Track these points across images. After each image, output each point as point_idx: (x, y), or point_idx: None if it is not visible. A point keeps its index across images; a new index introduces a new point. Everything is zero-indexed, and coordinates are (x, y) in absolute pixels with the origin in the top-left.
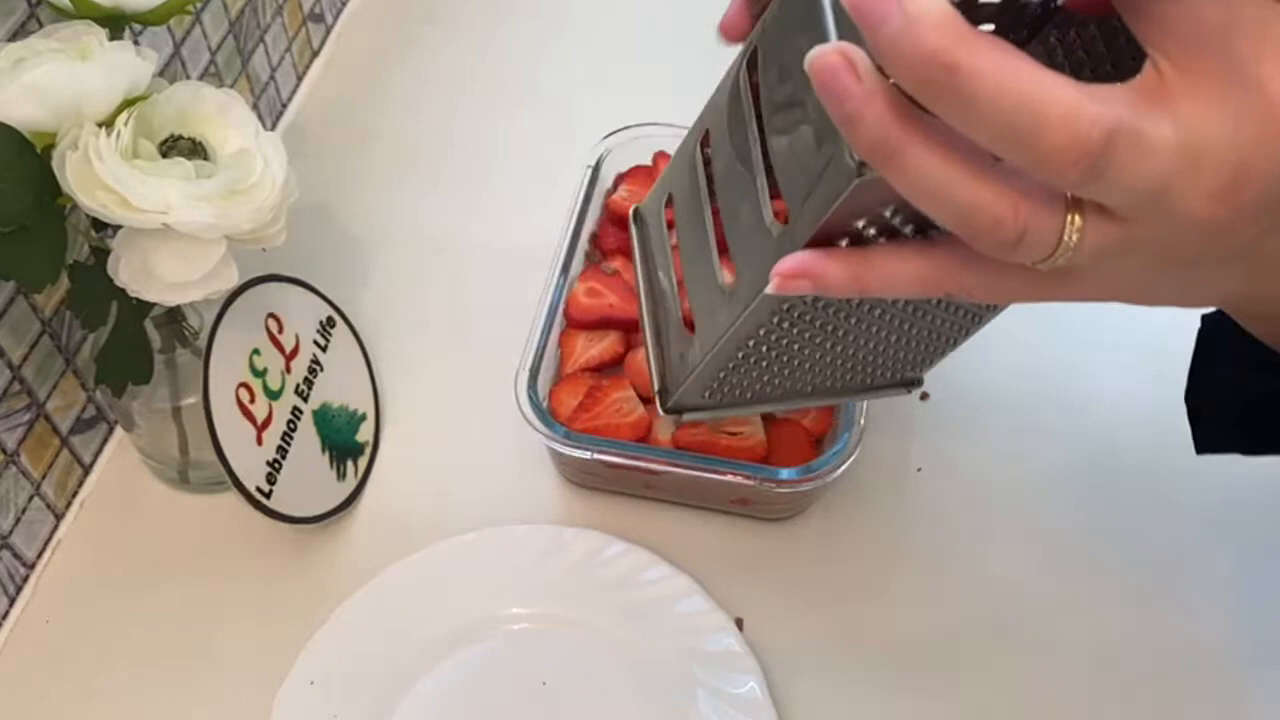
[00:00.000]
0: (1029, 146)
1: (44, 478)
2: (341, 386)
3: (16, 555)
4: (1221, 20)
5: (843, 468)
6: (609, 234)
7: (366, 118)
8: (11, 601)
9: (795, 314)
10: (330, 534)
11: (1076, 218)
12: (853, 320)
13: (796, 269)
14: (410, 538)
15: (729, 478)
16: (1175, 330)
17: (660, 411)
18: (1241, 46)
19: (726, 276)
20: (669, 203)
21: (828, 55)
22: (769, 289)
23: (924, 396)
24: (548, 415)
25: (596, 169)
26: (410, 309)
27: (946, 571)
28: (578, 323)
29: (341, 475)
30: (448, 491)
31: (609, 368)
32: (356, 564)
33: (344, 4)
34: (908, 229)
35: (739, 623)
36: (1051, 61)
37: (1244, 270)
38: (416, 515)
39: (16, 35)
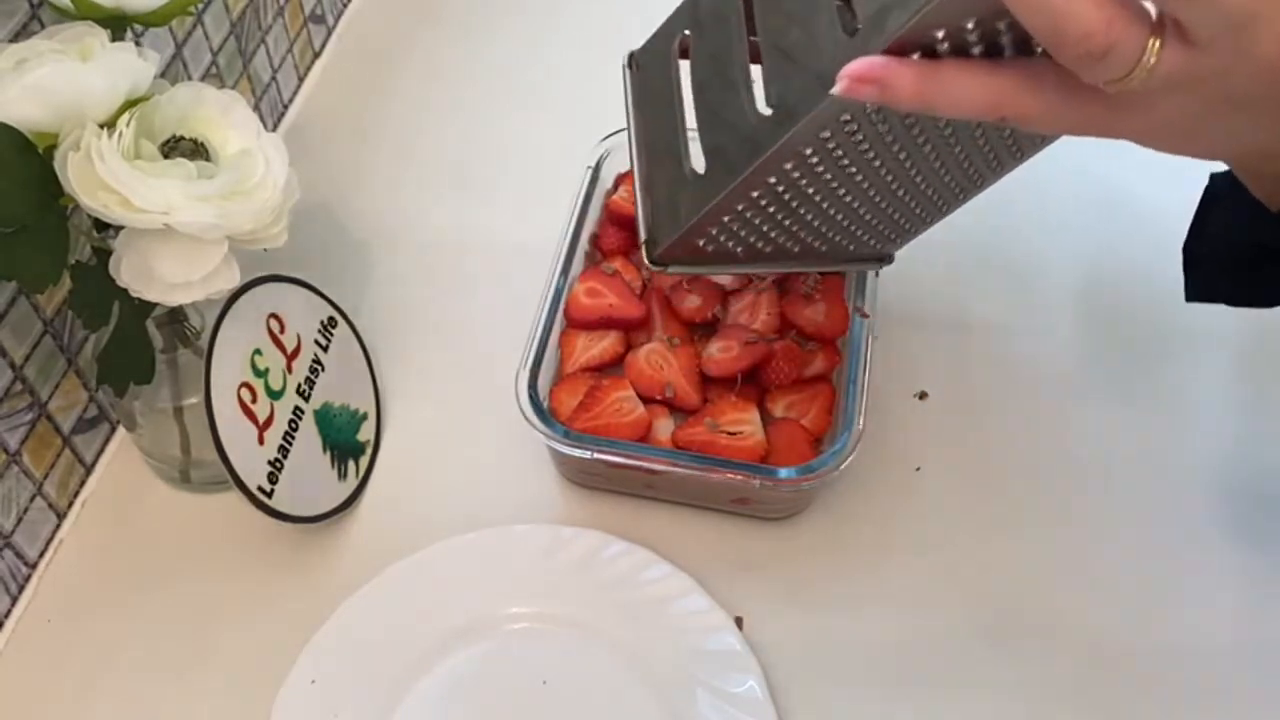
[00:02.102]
0: None
1: (46, 477)
2: (343, 386)
3: (18, 555)
4: None
5: (842, 467)
6: (609, 234)
7: (367, 118)
8: (13, 601)
9: (829, 147)
10: (331, 533)
11: (1157, 42)
12: (876, 163)
13: (867, 72)
14: (411, 537)
15: (729, 477)
16: (1178, 321)
17: (645, 261)
18: None
19: (762, 105)
20: (683, 42)
21: None
22: (835, 89)
23: (923, 396)
24: (548, 415)
25: (596, 169)
26: (411, 309)
27: (946, 571)
28: (578, 323)
29: (343, 475)
30: (448, 491)
31: (609, 368)
32: (357, 563)
33: (345, 5)
34: (978, 50)
35: (739, 622)
36: None
37: (1273, 127)
38: (417, 515)
39: (18, 36)
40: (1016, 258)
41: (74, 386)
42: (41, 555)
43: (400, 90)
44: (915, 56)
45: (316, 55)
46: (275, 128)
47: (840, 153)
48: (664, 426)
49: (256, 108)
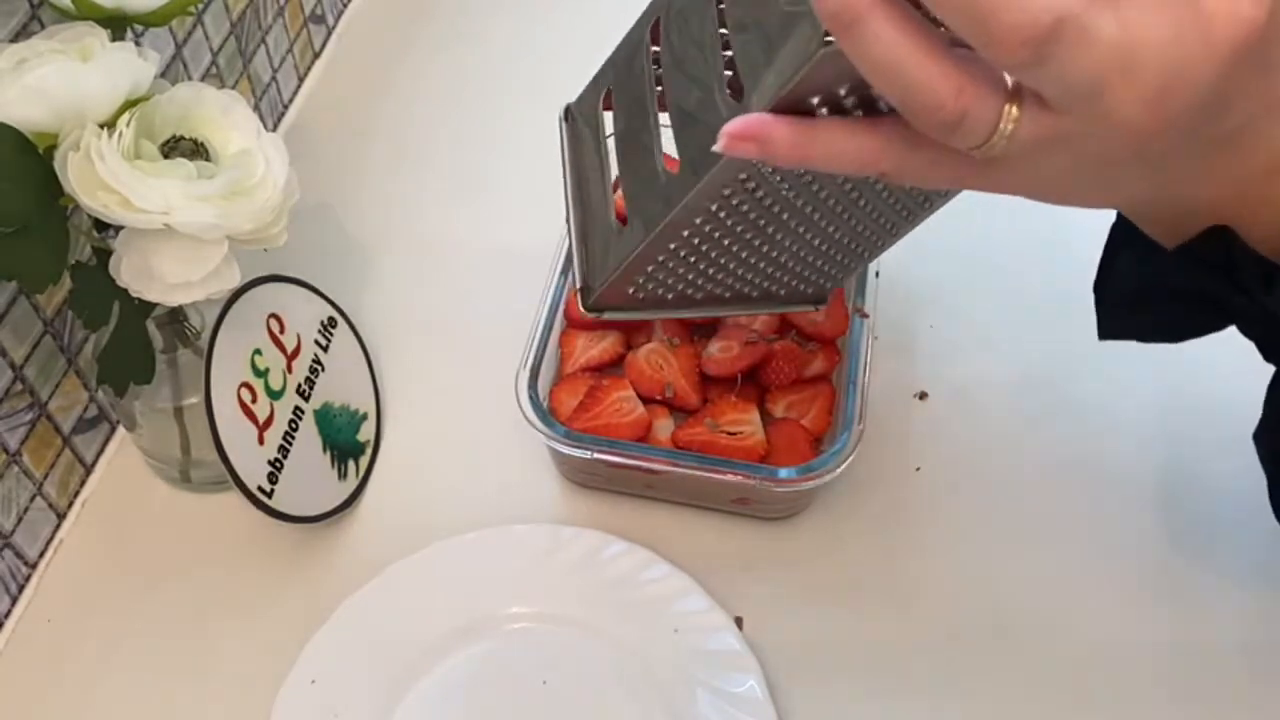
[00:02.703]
0: (983, 24)
1: (46, 477)
2: (343, 386)
3: (18, 555)
4: None
5: (842, 467)
6: None
7: (367, 118)
8: (13, 601)
9: (734, 203)
10: (331, 533)
11: (1014, 108)
12: (784, 216)
13: (745, 130)
14: (411, 537)
15: (729, 477)
16: None
17: (580, 308)
18: None
19: (668, 164)
20: (606, 97)
21: None
22: (715, 147)
23: (923, 396)
24: (548, 415)
25: None
26: (411, 309)
27: (946, 570)
28: (578, 323)
29: (343, 475)
30: (448, 491)
31: (609, 368)
32: (357, 563)
33: (345, 5)
34: (857, 111)
35: (739, 622)
36: None
37: (1158, 176)
38: (417, 515)
39: (18, 36)
40: (1017, 257)
41: (74, 386)
42: (41, 555)
43: (400, 90)
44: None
45: (316, 55)
46: (275, 128)
47: (746, 208)
48: (664, 426)
49: (256, 108)
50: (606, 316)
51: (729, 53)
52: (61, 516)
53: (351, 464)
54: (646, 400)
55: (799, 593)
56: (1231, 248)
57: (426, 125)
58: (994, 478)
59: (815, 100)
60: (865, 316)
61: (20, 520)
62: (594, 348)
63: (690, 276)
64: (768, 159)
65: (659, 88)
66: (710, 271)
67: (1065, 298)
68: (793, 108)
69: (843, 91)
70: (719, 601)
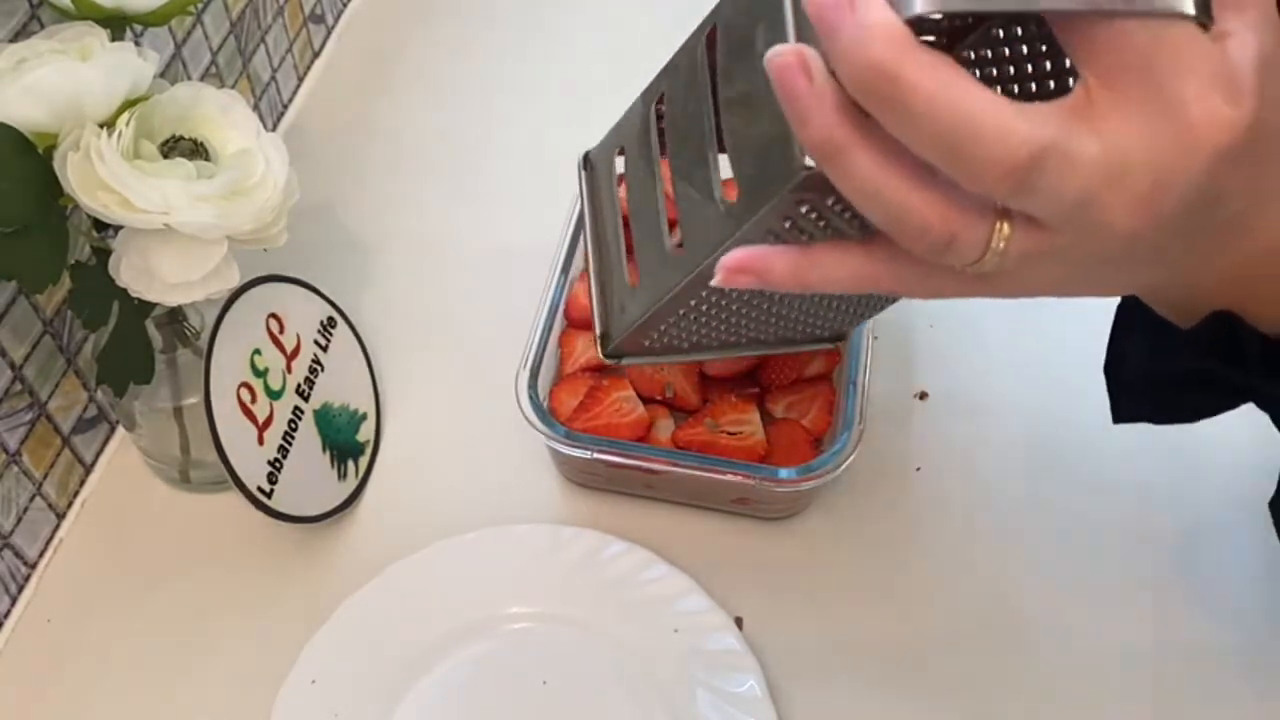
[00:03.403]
0: (962, 159)
1: (45, 477)
2: (342, 386)
3: (18, 555)
4: (1147, 43)
5: (842, 467)
6: None
7: (367, 118)
8: (13, 601)
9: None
10: (331, 533)
11: (1005, 226)
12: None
13: (742, 264)
14: (411, 537)
15: (729, 477)
16: None
17: (600, 355)
18: (1165, 68)
19: (673, 239)
20: (620, 153)
21: (785, 55)
22: (714, 281)
23: (923, 396)
24: (548, 415)
25: None
26: (411, 309)
27: (946, 570)
28: (578, 323)
29: (342, 475)
30: (448, 491)
31: (609, 368)
32: (357, 563)
33: (345, 5)
34: (847, 217)
35: (739, 622)
36: (980, 74)
37: (1159, 268)
38: (417, 515)
39: (18, 36)
40: None
41: (74, 386)
42: (41, 555)
43: (400, 90)
44: (787, 225)
45: (316, 55)
46: (275, 127)
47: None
48: (664, 426)
49: (256, 107)
50: (625, 363)
51: (723, 145)
52: (61, 516)
53: (351, 464)
54: (646, 400)
55: (799, 593)
56: (1233, 330)
57: (426, 125)
58: (994, 477)
59: (804, 209)
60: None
61: (20, 520)
62: (594, 348)
63: (705, 330)
64: (766, 287)
65: (663, 155)
66: (725, 324)
67: (1065, 297)
68: (783, 218)
69: (830, 202)
70: (719, 601)
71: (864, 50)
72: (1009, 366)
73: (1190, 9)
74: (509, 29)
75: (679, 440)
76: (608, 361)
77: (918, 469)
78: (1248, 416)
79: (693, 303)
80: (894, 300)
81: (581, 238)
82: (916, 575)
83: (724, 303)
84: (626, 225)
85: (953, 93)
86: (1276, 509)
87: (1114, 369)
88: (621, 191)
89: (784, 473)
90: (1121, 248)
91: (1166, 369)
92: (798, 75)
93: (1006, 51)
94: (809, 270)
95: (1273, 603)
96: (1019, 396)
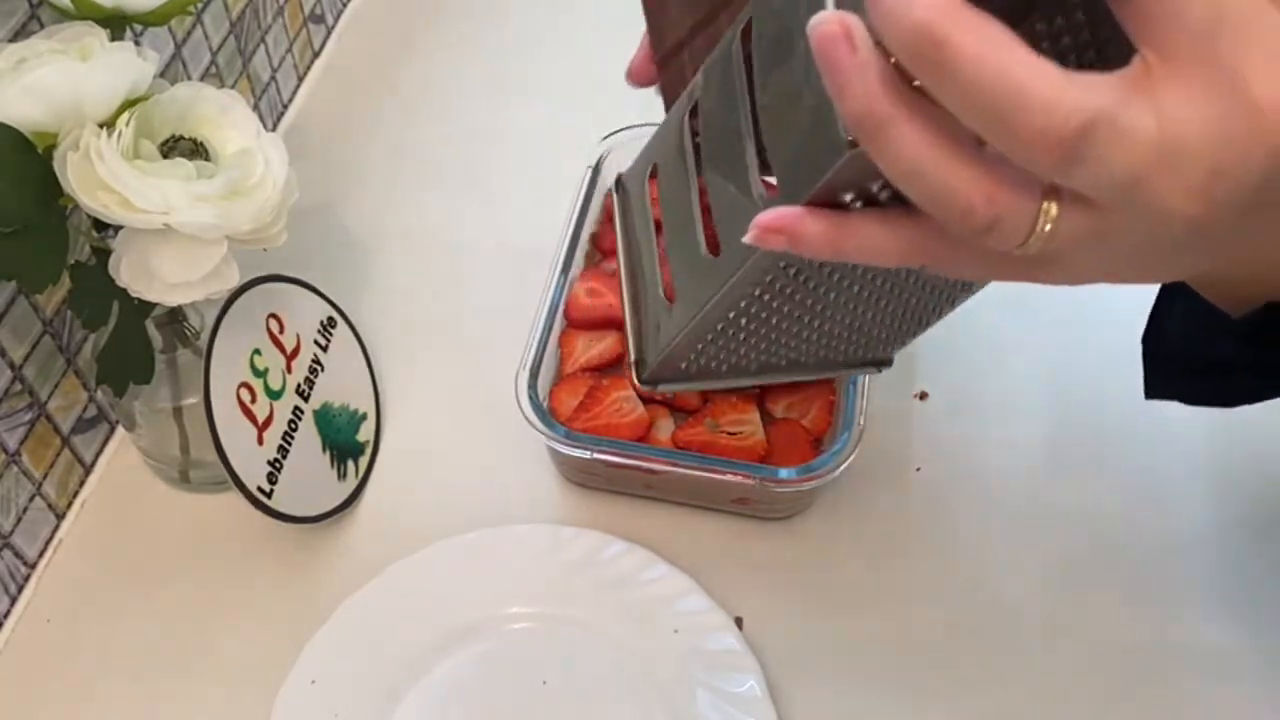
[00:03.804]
0: (1009, 128)
1: (45, 477)
2: (342, 386)
3: (18, 554)
4: (1207, 16)
5: (842, 467)
6: (609, 234)
7: (367, 118)
8: (13, 601)
9: (776, 287)
10: (331, 533)
11: (1053, 207)
12: (831, 296)
13: (776, 223)
14: (410, 537)
15: (729, 478)
16: None
17: (635, 381)
18: (1225, 43)
19: (710, 249)
20: (653, 173)
21: (828, 23)
22: (746, 238)
23: (923, 396)
24: (548, 415)
25: (597, 169)
26: (411, 309)
27: (946, 571)
28: (578, 323)
29: (342, 475)
30: (448, 491)
31: (609, 368)
32: (357, 563)
33: (345, 5)
34: (894, 204)
35: (739, 622)
36: (1038, 48)
37: (1214, 254)
38: (417, 515)
39: (18, 36)
40: None
41: (73, 386)
42: (41, 555)
43: (400, 90)
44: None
45: (316, 55)
46: (275, 127)
47: (790, 290)
48: (664, 426)
49: (256, 107)
50: (661, 389)
51: (762, 142)
52: (61, 516)
53: (351, 464)
54: (646, 400)
55: (799, 593)
56: None
57: (426, 125)
58: (994, 477)
59: (848, 196)
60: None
61: (19, 520)
62: (594, 348)
63: (742, 351)
64: (800, 251)
65: (698, 171)
66: (762, 346)
67: (1066, 297)
68: (825, 202)
69: (875, 188)
70: (719, 601)
71: (910, 11)
72: (1009, 366)
73: None
74: (509, 29)
75: (679, 440)
76: (644, 389)
77: (918, 469)
78: (1248, 416)
79: (731, 315)
80: (942, 316)
81: (617, 265)
82: (917, 575)
83: (764, 315)
84: (660, 246)
85: (1002, 58)
86: (1146, 346)
87: (1151, 344)
88: (656, 211)
89: (784, 473)
90: (1175, 233)
91: (1209, 353)
92: (841, 44)
93: (1059, 37)
94: (845, 238)
95: (1273, 603)
96: (1019, 396)
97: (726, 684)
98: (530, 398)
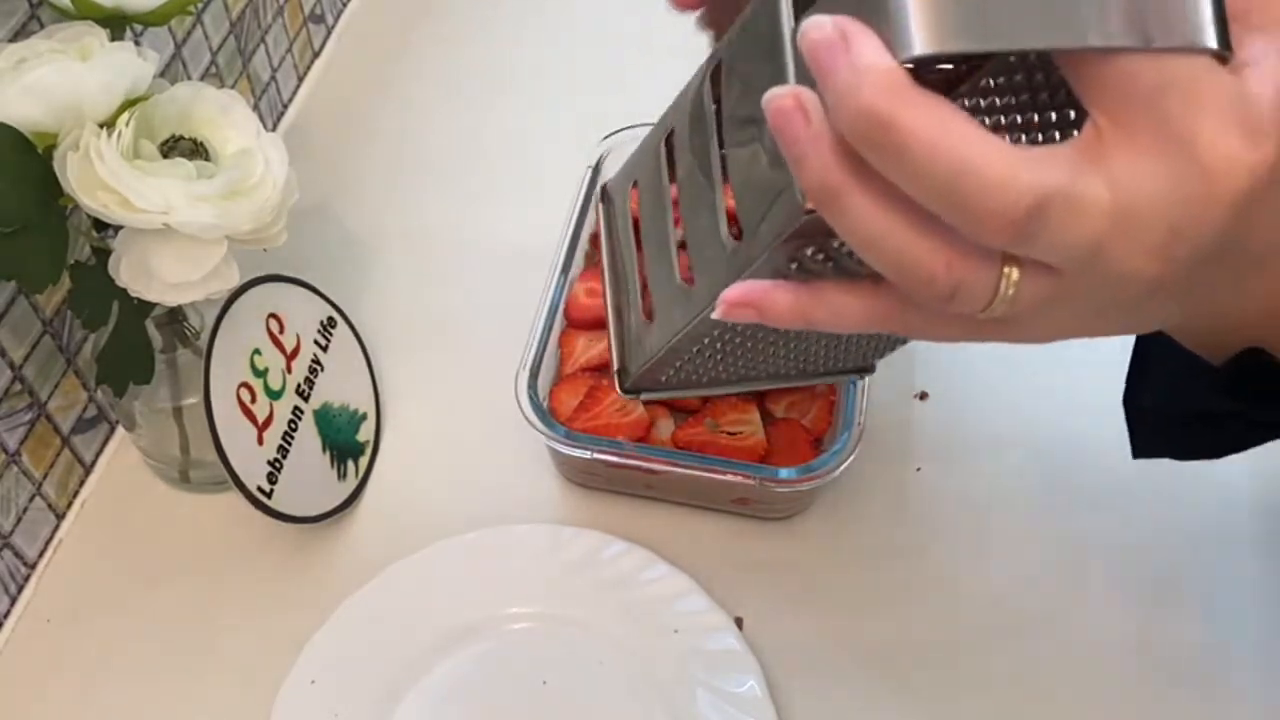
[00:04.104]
0: (961, 208)
1: (45, 477)
2: (342, 386)
3: (17, 554)
4: (1156, 80)
5: (842, 467)
6: None
7: (367, 118)
8: (13, 601)
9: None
10: (331, 533)
11: (1014, 271)
12: None
13: (743, 299)
14: (410, 537)
15: (729, 478)
16: None
17: (618, 390)
18: (1174, 106)
19: (684, 275)
20: (635, 187)
21: (782, 97)
22: (714, 314)
23: (923, 396)
24: (548, 415)
25: (596, 169)
26: (411, 309)
27: (946, 571)
28: (578, 323)
29: (342, 475)
30: (448, 491)
31: (609, 368)
32: (357, 563)
33: (344, 5)
34: (855, 260)
35: (739, 622)
36: (992, 108)
37: (1178, 309)
38: (417, 515)
39: (17, 36)
40: None
41: (73, 386)
42: (41, 555)
43: (400, 90)
44: (794, 267)
45: (316, 55)
46: (274, 127)
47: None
48: (664, 426)
49: (256, 107)
50: (643, 398)
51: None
52: (61, 516)
53: (351, 464)
54: (646, 400)
55: (799, 593)
56: (1263, 370)
57: (426, 125)
58: (994, 478)
59: (810, 251)
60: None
61: (19, 520)
62: (594, 348)
63: (722, 366)
64: (769, 323)
65: (674, 201)
66: (741, 361)
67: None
68: (789, 258)
69: (837, 245)
70: (719, 601)
71: (857, 95)
72: (1009, 367)
73: (1210, 41)
74: (509, 29)
75: (679, 440)
76: (626, 397)
77: (918, 469)
78: None
79: (706, 340)
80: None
81: (601, 273)
82: (916, 575)
83: (739, 340)
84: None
85: (951, 139)
86: (1129, 409)
87: (1133, 404)
88: (637, 224)
89: (784, 473)
90: (1139, 293)
91: (1189, 407)
92: (795, 117)
93: (1010, 100)
94: (814, 308)
95: (1273, 604)
96: (1019, 397)
97: (726, 684)
98: (530, 398)
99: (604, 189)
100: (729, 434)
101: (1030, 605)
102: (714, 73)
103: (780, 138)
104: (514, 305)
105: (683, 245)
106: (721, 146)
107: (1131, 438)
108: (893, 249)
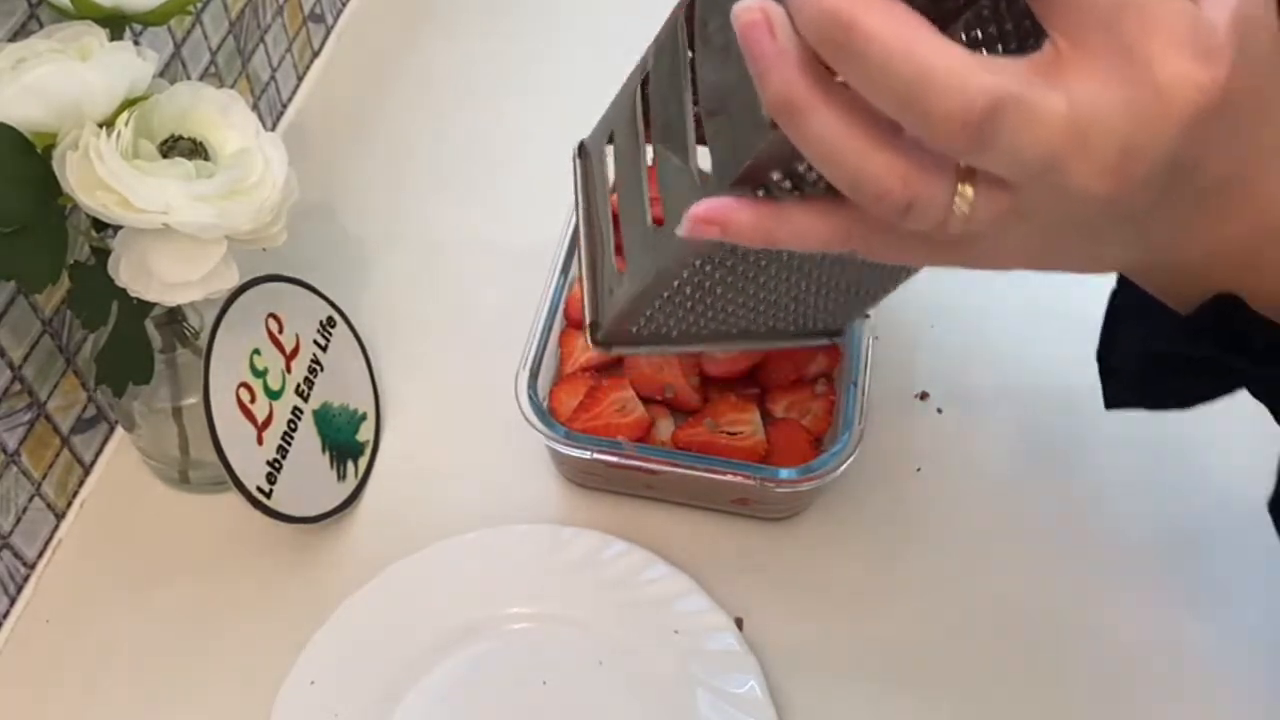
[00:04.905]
0: (918, 110)
1: (44, 477)
2: (342, 386)
3: (17, 555)
4: (1114, 2)
5: (842, 468)
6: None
7: (367, 118)
8: (12, 601)
9: (717, 259)
10: (331, 534)
11: (968, 188)
12: (774, 269)
13: (708, 214)
14: (410, 537)
15: (729, 478)
16: None
17: (589, 343)
18: (1130, 26)
19: (656, 216)
20: (610, 139)
21: (750, 10)
22: (679, 230)
23: (924, 396)
24: (548, 415)
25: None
26: (410, 309)
27: (946, 571)
28: (578, 323)
29: (342, 475)
30: (448, 491)
31: (609, 368)
32: (357, 563)
33: (344, 4)
34: (822, 186)
35: (739, 622)
36: (953, 37)
37: (1138, 239)
38: (417, 515)
39: (17, 35)
40: None
41: (73, 386)
42: (40, 555)
43: (400, 89)
44: (760, 194)
45: (316, 54)
46: (274, 127)
47: (731, 263)
48: (664, 426)
49: (255, 107)
50: (615, 352)
51: (701, 119)
52: (60, 517)
53: (351, 464)
54: (646, 400)
55: (799, 593)
56: (1236, 316)
57: (426, 124)
58: (994, 477)
59: (776, 175)
60: (866, 316)
61: (19, 520)
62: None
63: (692, 318)
64: (733, 240)
65: (648, 141)
66: (711, 314)
67: (1066, 297)
68: (756, 183)
69: (802, 168)
70: (719, 601)
71: None
72: (1009, 367)
73: None
74: (509, 28)
75: (679, 440)
76: (597, 350)
77: (918, 469)
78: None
79: (676, 284)
80: (888, 292)
81: (575, 227)
82: (916, 575)
83: (708, 285)
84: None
85: (909, 40)
86: (1276, 510)
87: (1106, 354)
88: (612, 177)
89: (784, 473)
90: (1094, 214)
91: (1160, 355)
92: (762, 31)
93: (976, 34)
94: (776, 226)
95: (1273, 603)
96: (1019, 396)
97: (726, 684)
98: (530, 398)
99: (581, 143)
100: (729, 434)
101: (1030, 605)
102: (689, 9)
103: (747, 51)
104: (514, 305)
105: (655, 187)
106: (694, 80)
107: (1104, 389)
108: (851, 163)
